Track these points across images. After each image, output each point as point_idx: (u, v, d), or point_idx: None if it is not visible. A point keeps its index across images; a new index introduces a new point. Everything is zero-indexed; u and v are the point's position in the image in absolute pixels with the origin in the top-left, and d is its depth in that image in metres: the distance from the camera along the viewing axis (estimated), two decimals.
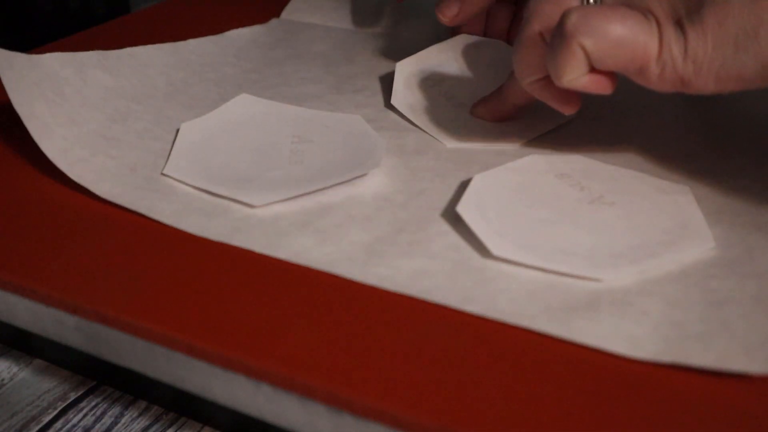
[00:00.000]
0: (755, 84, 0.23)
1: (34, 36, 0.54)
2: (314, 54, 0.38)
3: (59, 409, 0.24)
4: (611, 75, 0.25)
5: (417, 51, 0.39)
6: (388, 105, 0.33)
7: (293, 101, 0.34)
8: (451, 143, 0.30)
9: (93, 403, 0.24)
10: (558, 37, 0.24)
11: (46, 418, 0.24)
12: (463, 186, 0.27)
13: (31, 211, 0.27)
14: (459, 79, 0.34)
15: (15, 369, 0.26)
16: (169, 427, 0.24)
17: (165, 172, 0.28)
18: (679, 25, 0.23)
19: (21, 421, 0.24)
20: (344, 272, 0.23)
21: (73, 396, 0.25)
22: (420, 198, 0.27)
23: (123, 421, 0.24)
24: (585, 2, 0.25)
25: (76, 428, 0.23)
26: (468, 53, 0.35)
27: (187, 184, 0.28)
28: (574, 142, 0.30)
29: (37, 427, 0.23)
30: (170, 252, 0.25)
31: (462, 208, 0.25)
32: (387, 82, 0.35)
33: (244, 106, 0.32)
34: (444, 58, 0.35)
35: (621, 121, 0.32)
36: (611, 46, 0.24)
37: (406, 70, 0.34)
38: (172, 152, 0.29)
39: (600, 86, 0.25)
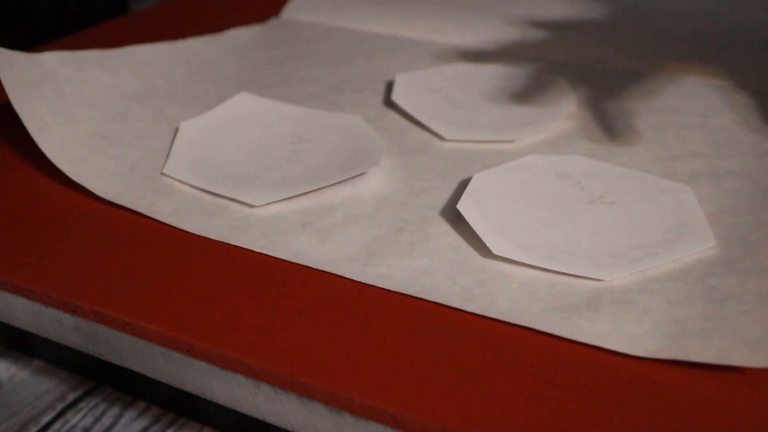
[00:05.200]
0: None
1: (33, 35, 0.54)
2: (314, 54, 0.38)
3: (58, 409, 0.24)
4: None
5: (417, 51, 0.39)
6: (388, 105, 0.33)
7: (293, 101, 0.33)
8: (450, 136, 0.30)
9: (92, 404, 0.24)
10: None
11: (45, 419, 0.24)
12: (463, 185, 0.27)
13: (30, 211, 0.27)
14: (459, 87, 0.34)
15: (14, 369, 0.26)
16: (169, 427, 0.24)
17: (164, 171, 0.28)
18: None
19: (20, 422, 0.24)
20: (344, 272, 0.23)
21: (72, 396, 0.25)
22: (420, 197, 0.27)
23: (122, 421, 0.24)
24: None
25: (75, 429, 0.23)
26: (466, 71, 0.35)
27: (186, 184, 0.28)
28: (574, 142, 0.30)
29: (36, 428, 0.23)
30: (169, 251, 0.24)
31: (462, 207, 0.25)
32: (387, 82, 0.35)
33: (243, 105, 0.32)
34: (443, 74, 0.35)
35: (621, 120, 0.32)
36: None
37: (406, 79, 0.34)
38: (172, 151, 0.29)
39: None
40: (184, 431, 0.23)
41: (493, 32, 0.39)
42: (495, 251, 0.23)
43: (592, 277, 0.23)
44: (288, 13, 0.44)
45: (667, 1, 0.44)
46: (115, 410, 0.24)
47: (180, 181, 0.28)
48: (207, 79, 0.35)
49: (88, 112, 0.31)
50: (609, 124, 0.31)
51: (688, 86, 0.34)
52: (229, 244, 0.25)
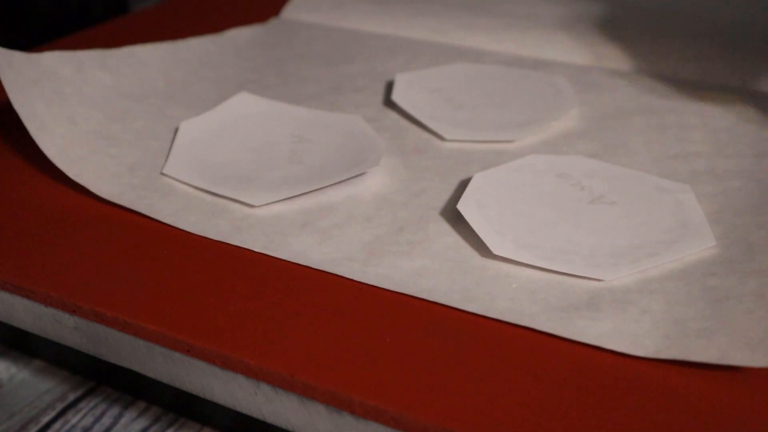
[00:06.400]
0: None
1: (33, 35, 0.54)
2: (314, 54, 0.38)
3: (58, 409, 0.24)
4: None
5: (417, 51, 0.39)
6: (388, 105, 0.33)
7: (293, 101, 0.33)
8: (450, 136, 0.30)
9: (92, 404, 0.24)
10: None
11: (45, 419, 0.24)
12: (463, 185, 0.27)
13: (29, 211, 0.27)
14: (459, 87, 0.34)
15: (14, 369, 0.26)
16: (169, 427, 0.24)
17: (164, 171, 0.28)
18: None
19: (20, 422, 0.24)
20: (344, 272, 0.23)
21: (72, 396, 0.25)
22: (420, 197, 0.27)
23: (122, 421, 0.24)
24: None
25: (75, 429, 0.23)
26: (466, 71, 0.35)
27: (186, 184, 0.28)
28: (574, 142, 0.30)
29: (36, 428, 0.23)
30: (170, 252, 0.24)
31: (462, 207, 0.25)
32: (387, 82, 0.35)
33: (243, 105, 0.32)
34: (443, 74, 0.35)
35: (621, 120, 0.32)
36: None
37: (406, 79, 0.34)
38: (172, 151, 0.29)
39: None
40: (184, 431, 0.23)
41: (493, 32, 0.39)
42: (495, 251, 0.24)
43: (592, 277, 0.23)
44: (288, 13, 0.44)
45: (668, 0, 0.44)
46: (115, 410, 0.24)
47: (180, 181, 0.28)
48: (207, 79, 0.35)
49: (87, 111, 0.31)
50: (609, 124, 0.31)
51: (688, 86, 0.34)
52: (229, 244, 0.25)
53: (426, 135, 0.31)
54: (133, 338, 0.22)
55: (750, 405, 0.19)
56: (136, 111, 0.32)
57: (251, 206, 0.26)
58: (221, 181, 0.27)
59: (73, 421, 0.24)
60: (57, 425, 0.24)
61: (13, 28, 0.53)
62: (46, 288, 0.23)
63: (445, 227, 0.25)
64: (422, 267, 0.24)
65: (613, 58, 0.37)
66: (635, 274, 0.23)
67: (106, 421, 0.24)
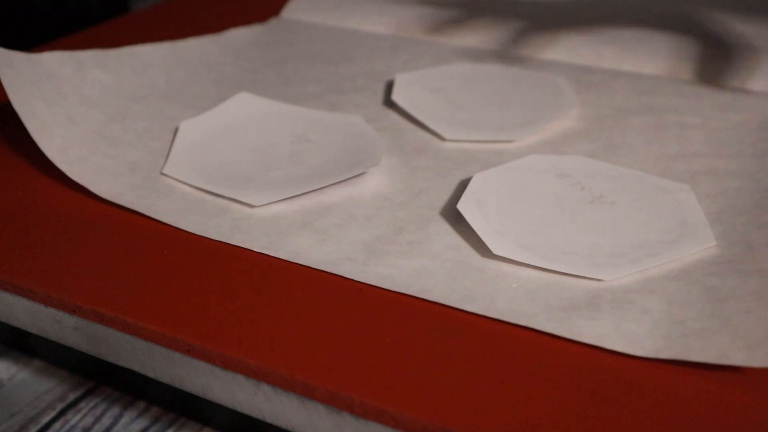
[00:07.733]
0: None
1: (33, 35, 0.54)
2: (314, 54, 0.38)
3: (58, 409, 0.24)
4: None
5: (417, 51, 0.39)
6: (388, 105, 0.33)
7: (293, 101, 0.33)
8: (450, 136, 0.30)
9: (92, 404, 0.24)
10: None
11: (45, 419, 0.24)
12: (463, 185, 0.27)
13: (29, 211, 0.27)
14: (459, 87, 0.34)
15: (14, 369, 0.26)
16: (169, 427, 0.24)
17: (164, 171, 0.28)
18: None
19: (20, 422, 0.24)
20: (344, 272, 0.23)
21: (72, 396, 0.25)
22: (420, 197, 0.27)
23: (122, 421, 0.24)
24: None
25: (75, 429, 0.23)
26: (466, 71, 0.35)
27: (186, 184, 0.28)
28: (574, 142, 0.30)
29: (36, 428, 0.23)
30: (169, 251, 0.24)
31: (462, 207, 0.25)
32: (387, 82, 0.35)
33: (243, 105, 0.32)
34: (443, 74, 0.35)
35: (621, 120, 0.32)
36: None
37: (406, 79, 0.34)
38: (172, 152, 0.29)
39: None
40: (184, 431, 0.23)
41: (493, 32, 0.39)
42: (495, 251, 0.24)
43: (592, 277, 0.23)
44: (288, 13, 0.44)
45: (668, 1, 0.44)
46: (115, 410, 0.24)
47: (180, 181, 0.28)
48: (207, 79, 0.35)
49: (88, 112, 0.31)
50: (609, 124, 0.31)
51: (688, 86, 0.34)
52: (229, 244, 0.25)
53: (426, 135, 0.31)
54: (133, 338, 0.22)
55: (750, 405, 0.19)
56: (136, 111, 0.32)
57: (251, 206, 0.26)
58: (221, 181, 0.27)
59: (73, 421, 0.24)
60: (57, 425, 0.24)
61: (13, 28, 0.53)
62: (46, 288, 0.23)
63: (445, 227, 0.25)
64: (422, 267, 0.24)
65: (613, 58, 0.37)
66: (635, 274, 0.23)
67: (106, 421, 0.24)
